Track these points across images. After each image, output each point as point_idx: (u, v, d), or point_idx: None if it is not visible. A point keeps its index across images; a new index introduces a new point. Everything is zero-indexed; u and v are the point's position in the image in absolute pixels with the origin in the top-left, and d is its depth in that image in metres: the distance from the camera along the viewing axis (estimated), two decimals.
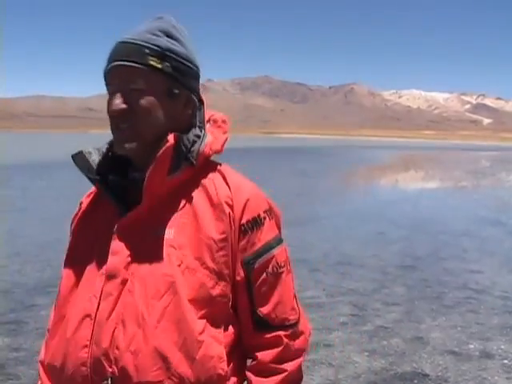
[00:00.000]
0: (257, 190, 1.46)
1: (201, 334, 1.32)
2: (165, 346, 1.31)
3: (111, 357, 1.32)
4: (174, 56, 1.40)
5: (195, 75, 1.47)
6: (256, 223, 1.40)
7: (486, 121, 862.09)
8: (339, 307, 6.65)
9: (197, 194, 1.40)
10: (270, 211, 1.46)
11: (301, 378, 1.50)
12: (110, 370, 1.32)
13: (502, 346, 5.57)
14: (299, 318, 1.48)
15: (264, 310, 1.41)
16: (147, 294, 1.33)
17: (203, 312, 1.34)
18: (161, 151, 1.34)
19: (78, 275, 1.44)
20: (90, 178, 1.46)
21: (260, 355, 1.42)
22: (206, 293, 1.34)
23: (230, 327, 1.40)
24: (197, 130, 1.44)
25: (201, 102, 1.49)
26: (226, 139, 1.50)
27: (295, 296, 1.50)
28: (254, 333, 1.42)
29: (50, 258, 8.89)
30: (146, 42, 1.39)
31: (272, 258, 1.42)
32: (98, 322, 1.34)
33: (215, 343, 1.34)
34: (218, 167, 1.47)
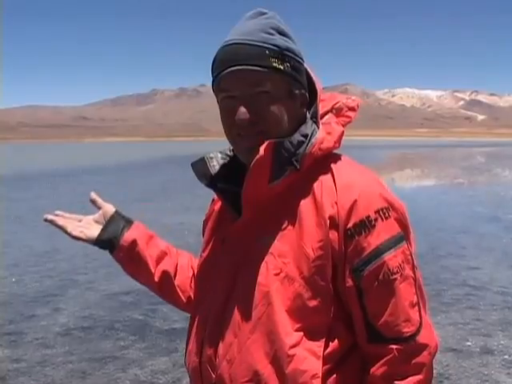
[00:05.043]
0: (370, 187, 1.31)
1: (293, 347, 1.26)
2: (256, 358, 1.29)
3: (214, 363, 1.35)
4: (291, 55, 1.34)
5: (304, 71, 1.40)
6: (364, 226, 1.26)
7: (480, 117, 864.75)
8: None
9: (304, 199, 1.31)
10: (385, 210, 1.28)
11: None
12: (214, 376, 1.35)
13: (502, 342, 5.60)
14: (418, 330, 1.30)
15: (376, 320, 1.28)
16: (244, 303, 1.31)
17: (300, 324, 1.27)
18: (252, 163, 1.28)
19: (202, 278, 1.50)
20: (205, 184, 1.46)
21: (371, 369, 1.30)
22: (301, 304, 1.27)
23: (335, 341, 1.30)
24: (306, 128, 1.35)
25: (314, 95, 1.41)
26: (342, 133, 1.38)
27: (416, 305, 1.32)
28: (368, 344, 1.30)
29: (49, 268, 8.90)
30: (264, 43, 1.31)
31: (382, 265, 1.26)
32: (208, 329, 1.39)
33: (311, 357, 1.26)
34: (332, 165, 1.34)
